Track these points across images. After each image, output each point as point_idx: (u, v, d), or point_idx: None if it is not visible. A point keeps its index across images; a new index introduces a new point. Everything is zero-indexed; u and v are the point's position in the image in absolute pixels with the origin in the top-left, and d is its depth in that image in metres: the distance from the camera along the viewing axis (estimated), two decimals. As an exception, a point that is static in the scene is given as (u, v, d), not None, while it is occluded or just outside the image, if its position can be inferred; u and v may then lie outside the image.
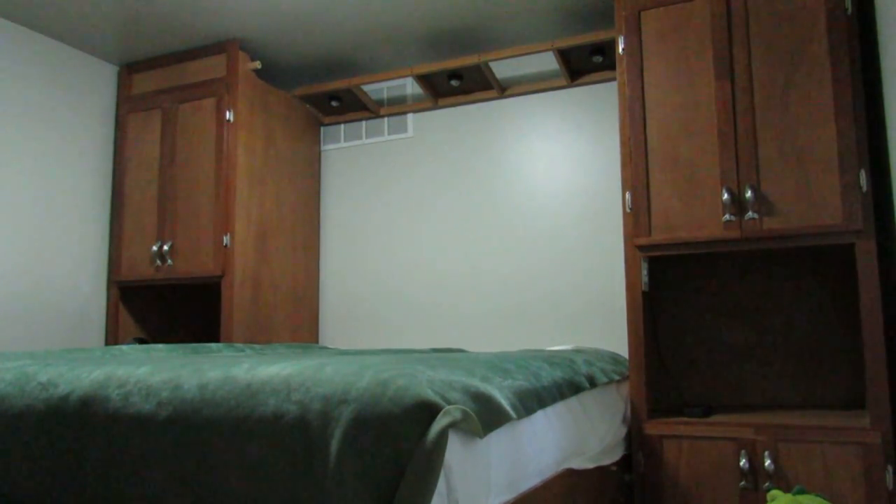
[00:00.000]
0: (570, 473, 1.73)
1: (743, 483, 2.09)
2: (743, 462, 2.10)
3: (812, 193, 2.14)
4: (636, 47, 2.43)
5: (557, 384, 1.63)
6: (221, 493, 0.93)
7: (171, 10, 2.92)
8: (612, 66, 3.05)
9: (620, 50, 2.47)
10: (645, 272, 2.36)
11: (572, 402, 1.76)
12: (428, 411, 0.89)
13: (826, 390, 2.45)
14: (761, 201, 2.19)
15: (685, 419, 2.25)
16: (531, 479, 1.42)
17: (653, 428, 2.24)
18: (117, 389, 1.03)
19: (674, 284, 2.69)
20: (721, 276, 2.63)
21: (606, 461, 2.04)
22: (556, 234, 3.12)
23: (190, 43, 3.22)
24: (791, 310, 2.53)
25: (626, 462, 2.29)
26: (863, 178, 2.09)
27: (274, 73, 3.53)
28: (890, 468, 1.96)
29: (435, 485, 0.86)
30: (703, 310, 2.65)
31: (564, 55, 3.00)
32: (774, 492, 1.80)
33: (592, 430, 1.90)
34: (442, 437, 0.88)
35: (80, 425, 1.02)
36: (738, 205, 2.21)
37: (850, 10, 2.16)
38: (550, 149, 3.20)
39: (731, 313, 2.61)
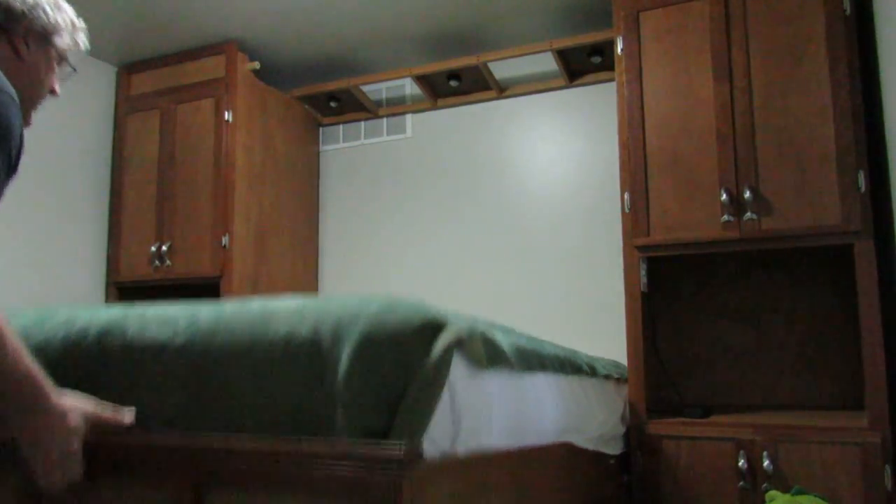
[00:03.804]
0: (571, 449, 1.73)
1: (742, 483, 2.09)
2: (742, 462, 2.10)
3: (810, 194, 2.15)
4: (635, 48, 2.43)
5: (559, 358, 1.65)
6: (237, 411, 0.97)
7: (170, 10, 2.92)
8: (610, 67, 3.05)
9: (619, 50, 2.47)
10: (644, 272, 2.36)
11: (573, 380, 1.78)
12: (435, 330, 0.94)
13: (824, 391, 2.45)
14: (760, 202, 2.19)
15: (684, 419, 2.25)
16: (532, 438, 1.43)
17: (652, 428, 2.24)
18: (135, 321, 1.07)
19: (673, 285, 2.69)
20: (720, 276, 2.64)
21: (606, 450, 2.04)
22: (555, 234, 3.12)
23: (188, 44, 3.22)
24: (789, 310, 2.53)
25: (625, 462, 2.29)
26: (861, 178, 2.09)
27: (272, 74, 3.53)
28: (888, 468, 1.96)
29: (439, 396, 0.91)
30: (702, 310, 2.65)
31: (563, 56, 3.00)
32: (773, 492, 1.81)
33: (591, 414, 1.91)
34: (447, 352, 0.92)
35: (98, 354, 1.06)
36: (736, 205, 2.22)
37: (848, 11, 2.16)
38: (549, 149, 3.20)
39: (729, 314, 2.61)
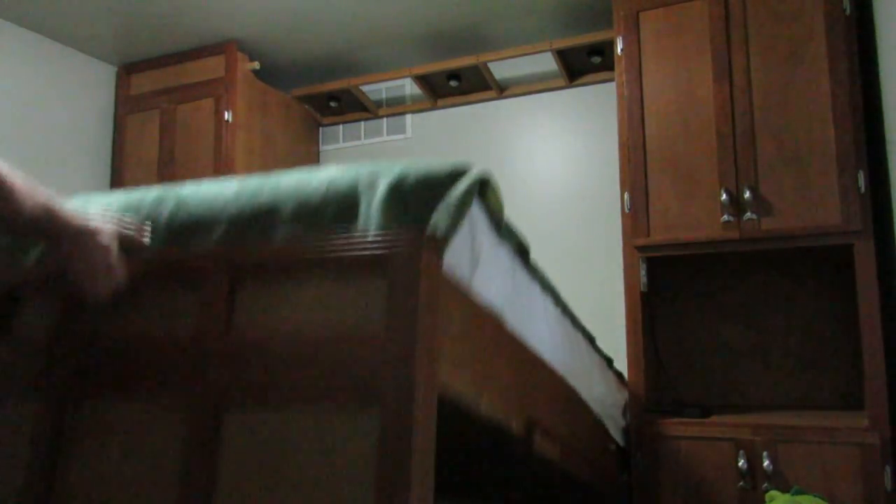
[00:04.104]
0: (576, 397, 1.74)
1: (741, 483, 2.09)
2: (741, 462, 2.10)
3: (810, 194, 2.15)
4: (635, 48, 2.43)
5: (564, 304, 1.71)
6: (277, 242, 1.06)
7: (170, 10, 2.92)
8: (610, 67, 3.04)
9: (619, 50, 2.47)
10: (644, 273, 2.36)
11: (578, 336, 1.84)
12: (461, 172, 1.07)
13: (824, 391, 2.45)
14: (760, 202, 2.19)
15: (684, 419, 2.25)
16: (536, 344, 1.48)
17: (651, 428, 2.24)
18: (172, 200, 1.15)
19: (672, 285, 2.69)
20: (720, 276, 2.63)
21: (608, 425, 2.05)
22: (555, 234, 3.12)
23: (188, 43, 3.22)
24: (789, 310, 2.53)
25: (625, 461, 2.29)
26: (861, 178, 2.09)
27: (272, 74, 3.53)
28: (888, 468, 1.96)
29: (460, 223, 1.03)
30: (702, 310, 2.65)
31: (563, 56, 3.00)
32: (773, 492, 1.81)
33: (591, 378, 1.95)
34: (472, 185, 1.06)
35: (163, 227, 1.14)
36: (736, 205, 2.22)
37: (848, 11, 2.16)
38: (549, 149, 3.20)
39: (729, 314, 2.61)
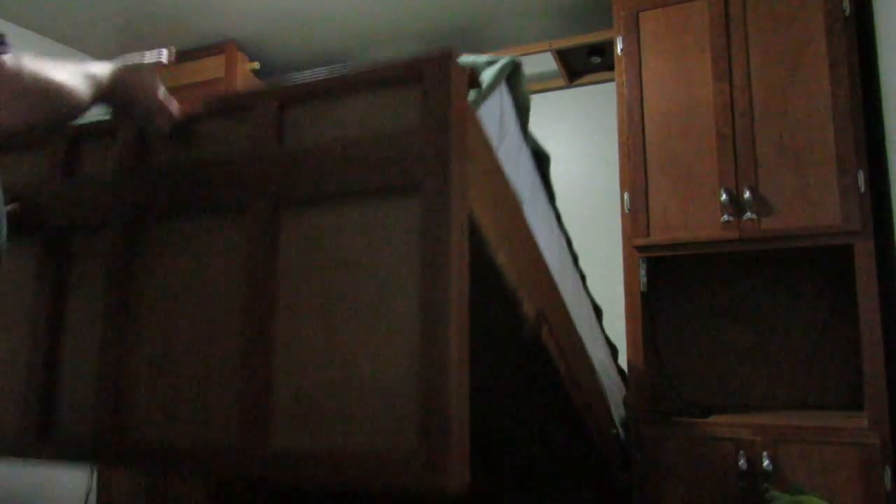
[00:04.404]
0: (576, 334, 1.78)
1: (742, 484, 2.09)
2: (742, 462, 2.10)
3: (810, 194, 2.15)
4: (635, 48, 2.43)
5: (575, 258, 1.92)
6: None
7: (169, 10, 2.92)
8: (610, 67, 3.04)
9: (619, 51, 2.47)
10: (644, 272, 2.36)
11: (584, 295, 1.97)
12: (496, 60, 1.33)
13: (824, 391, 2.45)
14: (759, 202, 2.19)
15: (684, 419, 2.25)
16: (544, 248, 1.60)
17: (652, 428, 2.24)
18: None
19: (672, 285, 2.69)
20: (720, 276, 2.63)
21: (609, 400, 2.10)
22: (555, 234, 3.12)
23: (188, 43, 3.22)
24: (789, 310, 2.53)
25: (624, 462, 2.29)
26: (861, 178, 2.09)
27: (272, 74, 3.53)
28: (888, 469, 1.96)
29: (492, 92, 1.24)
30: (702, 310, 2.65)
31: (563, 56, 3.00)
32: (773, 492, 1.81)
33: (593, 335, 2.04)
34: (505, 65, 1.32)
35: None
36: (736, 205, 2.21)
37: (848, 12, 2.16)
38: (549, 149, 3.19)
39: (729, 314, 2.61)
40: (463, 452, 0.91)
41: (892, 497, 1.95)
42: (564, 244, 1.95)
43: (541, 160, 1.67)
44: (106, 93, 1.07)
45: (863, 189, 2.08)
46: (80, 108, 1.03)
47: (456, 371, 0.91)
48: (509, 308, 1.35)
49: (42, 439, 1.17)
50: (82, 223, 1.21)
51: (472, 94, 1.13)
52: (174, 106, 1.16)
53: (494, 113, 1.28)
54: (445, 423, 0.89)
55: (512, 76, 1.37)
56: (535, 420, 1.92)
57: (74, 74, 1.01)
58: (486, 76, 1.25)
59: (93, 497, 2.69)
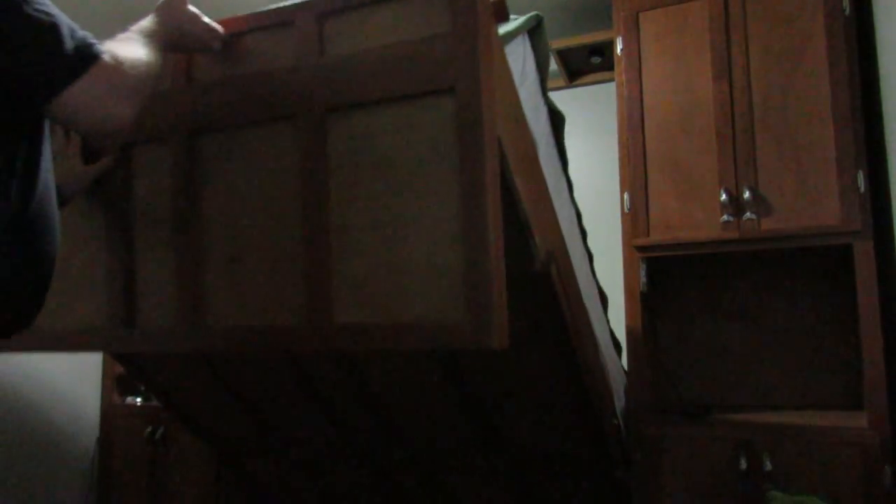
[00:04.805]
0: (581, 300, 1.82)
1: (742, 483, 2.09)
2: (742, 462, 2.10)
3: (810, 194, 2.15)
4: (634, 48, 2.43)
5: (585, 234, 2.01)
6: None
7: (170, 10, 2.92)
8: (610, 67, 3.04)
9: (619, 51, 2.47)
10: (643, 272, 2.36)
11: (590, 274, 2.04)
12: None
13: (824, 391, 2.45)
14: (759, 202, 2.19)
15: (684, 419, 2.25)
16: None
17: (652, 428, 2.24)
18: None
19: (673, 285, 2.69)
20: (719, 276, 2.63)
21: (611, 383, 2.11)
22: (555, 234, 3.12)
23: (188, 44, 3.22)
24: (789, 310, 2.53)
25: (624, 461, 2.29)
26: (861, 178, 2.09)
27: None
28: (888, 468, 1.96)
29: (521, 34, 1.43)
30: (702, 310, 2.65)
31: (563, 56, 3.00)
32: (773, 493, 1.81)
33: (597, 312, 2.10)
34: (529, 19, 1.46)
35: None
36: (736, 205, 2.21)
37: (847, 11, 2.16)
38: (549, 149, 3.19)
39: (729, 314, 2.61)
40: (503, 317, 1.04)
41: (893, 497, 1.95)
42: (574, 217, 1.98)
43: (556, 122, 1.76)
44: (167, 42, 1.16)
45: (862, 189, 2.08)
46: (160, 70, 1.11)
47: (494, 248, 1.03)
48: (523, 239, 1.42)
49: (128, 330, 1.34)
50: (142, 140, 1.35)
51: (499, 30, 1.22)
52: (218, 26, 1.24)
53: (517, 59, 1.37)
54: (488, 294, 1.02)
55: (534, 32, 1.47)
56: (540, 387, 1.94)
57: (142, 42, 1.08)
58: (511, 24, 1.35)
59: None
